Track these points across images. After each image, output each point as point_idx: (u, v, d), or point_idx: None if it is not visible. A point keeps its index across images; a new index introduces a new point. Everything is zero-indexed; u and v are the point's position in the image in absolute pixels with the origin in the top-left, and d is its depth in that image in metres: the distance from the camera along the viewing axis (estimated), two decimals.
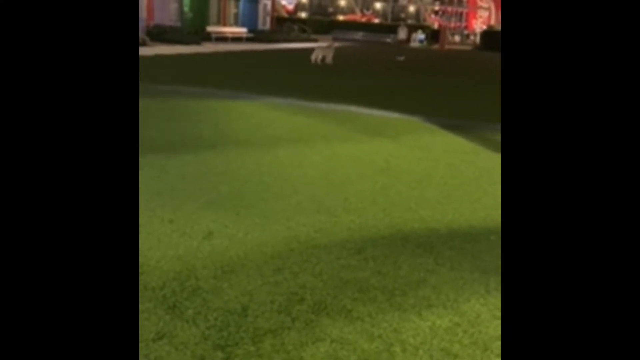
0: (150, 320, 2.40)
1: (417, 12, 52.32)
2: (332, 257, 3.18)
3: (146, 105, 8.22)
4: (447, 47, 30.73)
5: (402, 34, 22.27)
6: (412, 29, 33.56)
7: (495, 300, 2.77)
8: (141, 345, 2.21)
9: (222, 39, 23.93)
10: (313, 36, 30.13)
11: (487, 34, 32.10)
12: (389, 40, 28.90)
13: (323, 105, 8.78)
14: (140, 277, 2.76)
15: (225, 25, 26.78)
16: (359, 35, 33.99)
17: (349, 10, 51.04)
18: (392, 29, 29.02)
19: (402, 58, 20.48)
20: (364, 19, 46.84)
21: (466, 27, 42.65)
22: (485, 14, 44.08)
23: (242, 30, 25.90)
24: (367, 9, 53.52)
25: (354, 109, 8.64)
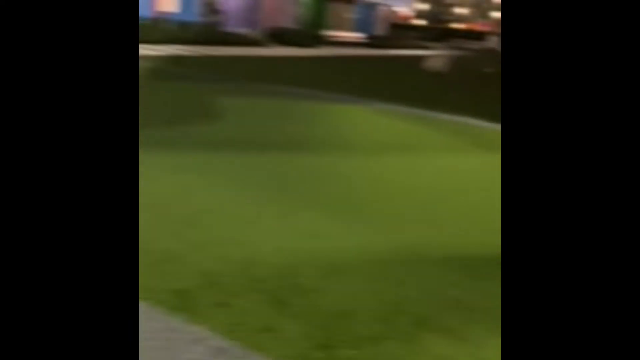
0: (257, 313, 2.49)
1: None
2: (437, 271, 3.11)
3: (263, 106, 8.58)
4: None
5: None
6: None
7: None
8: (247, 335, 2.30)
9: (339, 43, 24.31)
10: (427, 44, 29.73)
11: None
12: None
13: (436, 115, 8.63)
14: (249, 270, 2.87)
15: (342, 30, 27.20)
16: (478, 44, 32.98)
17: (469, 18, 49.68)
18: None
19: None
20: (484, 28, 45.36)
21: None
22: None
23: (358, 35, 26.17)
24: (486, 18, 51.77)
25: (471, 121, 8.39)
